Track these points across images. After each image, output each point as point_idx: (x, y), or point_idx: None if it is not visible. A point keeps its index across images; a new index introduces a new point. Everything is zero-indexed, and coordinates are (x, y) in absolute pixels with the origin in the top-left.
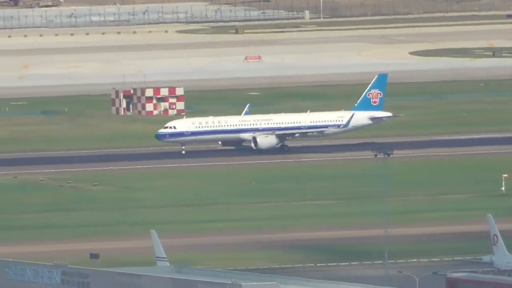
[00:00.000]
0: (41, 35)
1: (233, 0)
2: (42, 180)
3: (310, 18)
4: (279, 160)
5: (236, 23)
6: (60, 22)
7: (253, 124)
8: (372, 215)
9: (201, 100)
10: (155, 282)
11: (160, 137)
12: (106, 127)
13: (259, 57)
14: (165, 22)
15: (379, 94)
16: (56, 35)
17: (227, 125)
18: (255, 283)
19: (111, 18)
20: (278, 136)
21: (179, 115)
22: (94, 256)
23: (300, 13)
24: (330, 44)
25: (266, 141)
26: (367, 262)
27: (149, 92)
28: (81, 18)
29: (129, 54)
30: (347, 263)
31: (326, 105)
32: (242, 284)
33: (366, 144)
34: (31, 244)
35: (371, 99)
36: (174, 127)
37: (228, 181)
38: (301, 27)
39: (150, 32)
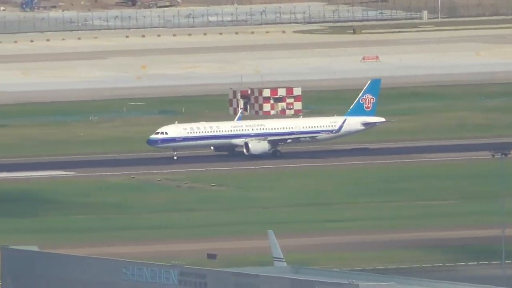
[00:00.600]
0: (158, 35)
1: (351, 0)
2: (160, 180)
3: (428, 18)
4: (398, 160)
5: (354, 23)
6: (177, 23)
7: (245, 130)
8: (490, 214)
9: (318, 100)
10: (272, 283)
11: (151, 142)
12: None
13: (377, 57)
14: (282, 22)
15: (372, 99)
16: (174, 35)
17: (219, 131)
18: (372, 283)
19: (229, 18)
20: (270, 141)
21: (296, 115)
22: (211, 256)
23: (418, 13)
24: (448, 44)
25: (258, 146)
26: (484, 262)
27: (266, 92)
28: (199, 19)
29: (246, 54)
30: (464, 263)
31: (446, 105)
32: (359, 284)
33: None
34: (148, 244)
35: (364, 104)
36: (166, 133)
37: (345, 180)
38: (419, 27)
39: (267, 32)
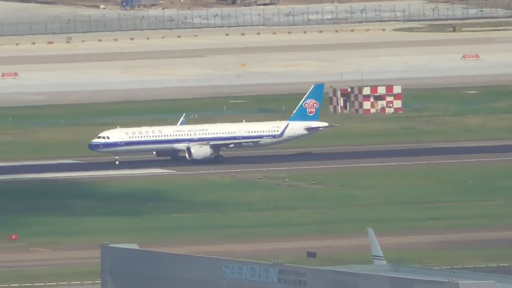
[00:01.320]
0: (258, 34)
1: None
2: (260, 178)
3: None
4: (496, 159)
5: (454, 22)
6: (277, 21)
7: (188, 135)
8: None
9: (418, 98)
10: (372, 281)
11: (93, 147)
12: None
13: (477, 56)
14: (382, 20)
15: (315, 104)
16: (274, 33)
17: (162, 136)
18: (473, 282)
19: (329, 17)
20: (212, 146)
21: (396, 113)
22: (311, 254)
23: None
24: None
25: (201, 151)
26: None
27: (366, 91)
28: (299, 17)
29: (346, 53)
30: None
31: None
32: (459, 282)
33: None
34: (248, 243)
35: (307, 109)
36: (108, 137)
37: (444, 178)
38: None
39: (367, 30)
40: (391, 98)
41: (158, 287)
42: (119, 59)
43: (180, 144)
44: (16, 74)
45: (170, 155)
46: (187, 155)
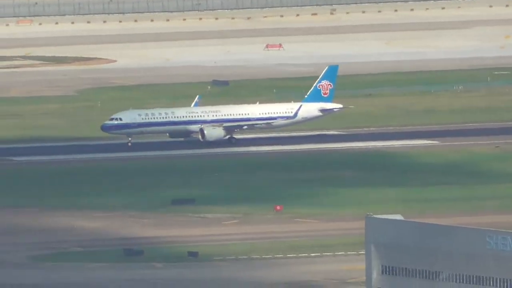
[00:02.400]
0: None
1: None
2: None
3: None
4: None
5: None
6: None
7: (201, 116)
8: None
9: None
10: None
11: (105, 128)
12: None
13: None
14: None
15: (329, 86)
16: None
17: (175, 117)
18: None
19: None
20: (225, 128)
21: None
22: None
23: None
24: None
25: (214, 133)
26: None
27: None
28: None
29: None
30: None
31: None
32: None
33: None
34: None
35: (322, 91)
36: (120, 119)
37: None
38: None
39: None
40: None
41: (422, 258)
42: (383, 31)
43: (193, 126)
44: (280, 45)
45: (183, 137)
46: (200, 137)
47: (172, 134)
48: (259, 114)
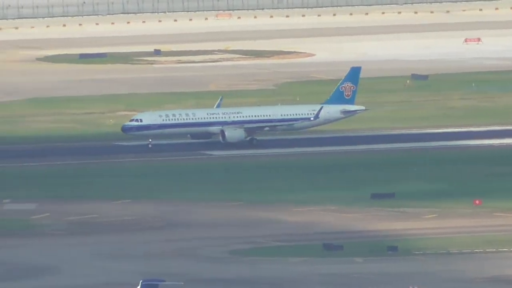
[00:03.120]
0: None
1: None
2: None
3: None
4: None
5: None
6: None
7: (222, 117)
8: None
9: None
10: None
11: (126, 130)
12: None
13: None
14: None
15: (352, 87)
16: None
17: (195, 118)
18: None
19: None
20: (247, 129)
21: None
22: None
23: None
24: None
25: (235, 134)
26: None
27: None
28: None
29: None
30: None
31: None
32: None
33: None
34: None
35: (344, 92)
36: (141, 120)
37: None
38: None
39: None
40: None
41: None
42: None
43: (214, 127)
44: (479, 39)
45: (205, 138)
46: (221, 138)
47: (193, 135)
48: (281, 115)
